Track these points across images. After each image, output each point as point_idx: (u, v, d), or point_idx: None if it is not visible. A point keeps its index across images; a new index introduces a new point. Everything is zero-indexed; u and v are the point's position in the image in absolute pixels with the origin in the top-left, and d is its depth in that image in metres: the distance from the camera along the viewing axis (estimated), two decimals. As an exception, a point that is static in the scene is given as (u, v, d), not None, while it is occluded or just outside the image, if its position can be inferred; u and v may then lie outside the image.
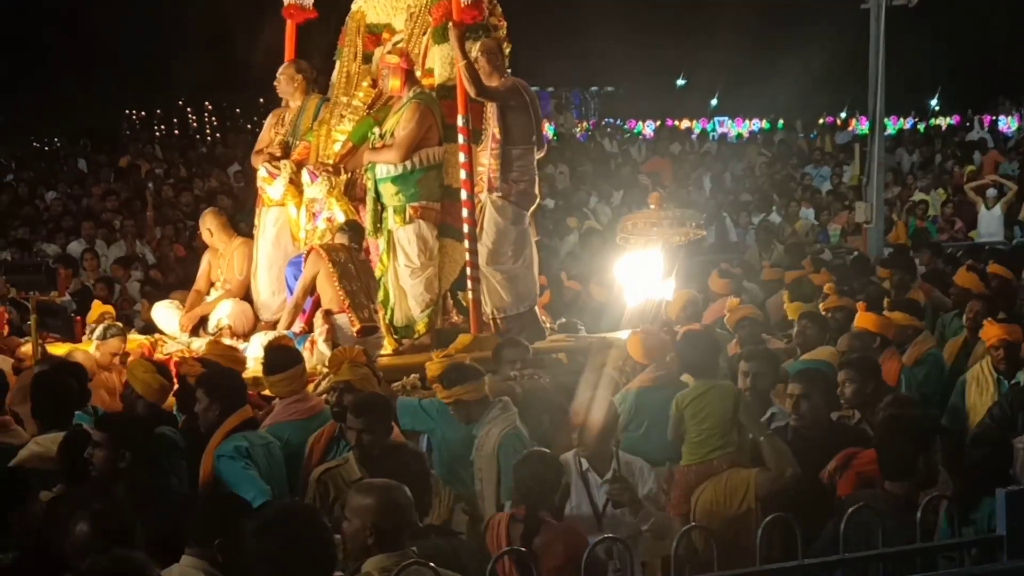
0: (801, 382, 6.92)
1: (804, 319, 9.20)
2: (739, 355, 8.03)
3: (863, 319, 8.75)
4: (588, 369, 8.44)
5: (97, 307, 10.73)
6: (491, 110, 9.91)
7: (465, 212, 9.70)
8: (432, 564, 4.43)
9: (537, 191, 10.18)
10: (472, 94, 9.69)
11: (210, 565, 4.72)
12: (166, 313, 10.51)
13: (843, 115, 35.05)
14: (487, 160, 9.91)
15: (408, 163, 9.68)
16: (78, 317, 9.86)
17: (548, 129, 26.16)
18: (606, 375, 8.50)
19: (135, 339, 10.05)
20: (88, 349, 9.20)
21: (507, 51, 10.14)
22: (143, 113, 33.69)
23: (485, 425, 7.12)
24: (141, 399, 7.41)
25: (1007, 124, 34.02)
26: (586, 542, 5.11)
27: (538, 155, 10.19)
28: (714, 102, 40.23)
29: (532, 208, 10.15)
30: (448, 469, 7.35)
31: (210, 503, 5.16)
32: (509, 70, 10.09)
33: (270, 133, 10.80)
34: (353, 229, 9.82)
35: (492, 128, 9.88)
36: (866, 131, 21.20)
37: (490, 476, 6.93)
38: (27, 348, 9.28)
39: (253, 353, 9.18)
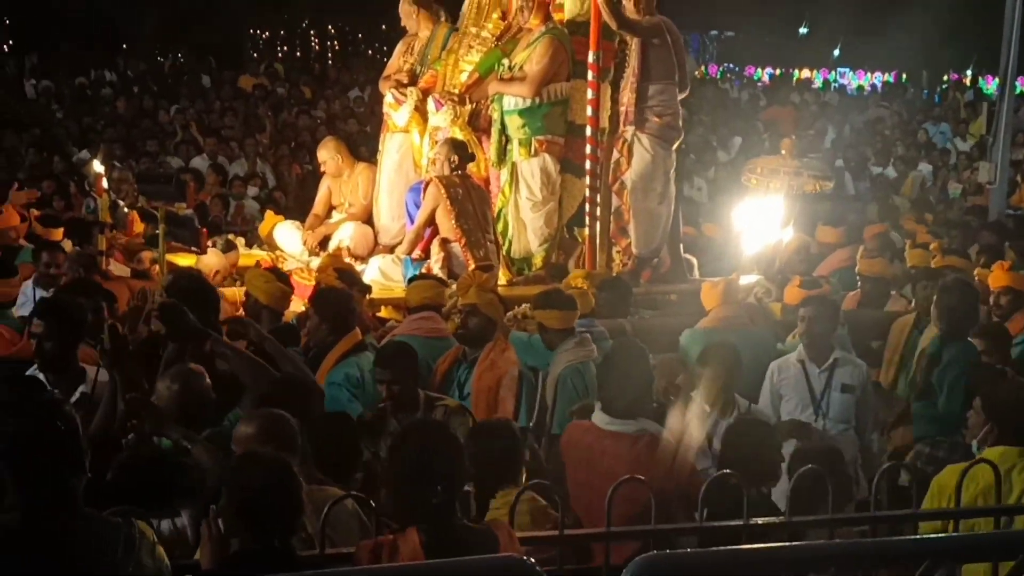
0: None
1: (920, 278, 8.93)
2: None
3: (1003, 277, 8.50)
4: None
5: (270, 218, 10.99)
6: (634, 45, 9.71)
7: (588, 148, 9.69)
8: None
9: (681, 126, 10.02)
10: (613, 27, 9.52)
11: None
12: (288, 232, 10.71)
13: (969, 72, 34.19)
14: (627, 96, 9.78)
15: (537, 97, 9.73)
16: (203, 229, 10.09)
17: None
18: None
19: (257, 255, 10.30)
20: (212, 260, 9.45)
21: None
22: (267, 33, 33.97)
23: (558, 354, 7.18)
24: (265, 308, 7.29)
25: None
26: None
27: (682, 95, 9.99)
28: (836, 52, 39.47)
29: (676, 144, 10.00)
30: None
31: None
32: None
33: (399, 60, 10.94)
34: (457, 146, 9.74)
35: (632, 63, 9.73)
36: (991, 90, 20.66)
37: (550, 403, 7.04)
38: (148, 254, 9.54)
39: (371, 275, 9.36)
